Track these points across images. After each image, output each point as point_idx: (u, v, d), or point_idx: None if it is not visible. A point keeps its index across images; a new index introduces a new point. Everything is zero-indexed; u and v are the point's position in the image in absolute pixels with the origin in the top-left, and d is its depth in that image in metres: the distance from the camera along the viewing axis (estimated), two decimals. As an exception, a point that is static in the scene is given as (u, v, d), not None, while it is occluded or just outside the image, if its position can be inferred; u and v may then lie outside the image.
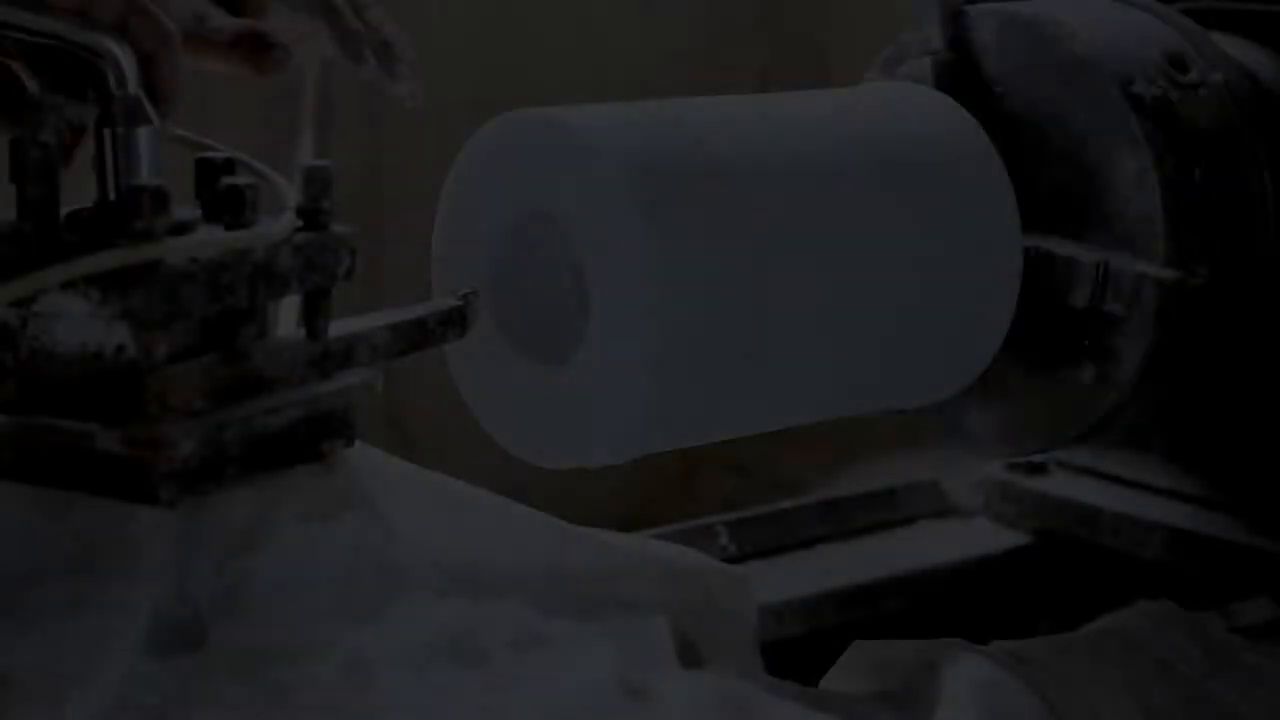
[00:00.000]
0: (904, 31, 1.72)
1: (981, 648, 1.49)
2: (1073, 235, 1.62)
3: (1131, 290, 1.57)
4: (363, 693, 1.19)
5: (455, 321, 1.47)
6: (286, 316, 1.32)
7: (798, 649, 1.76)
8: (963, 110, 1.63)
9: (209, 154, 1.34)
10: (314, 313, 1.32)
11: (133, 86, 1.27)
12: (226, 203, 1.28)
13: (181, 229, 1.25)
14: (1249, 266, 1.63)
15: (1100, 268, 1.59)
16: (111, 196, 1.27)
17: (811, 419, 1.61)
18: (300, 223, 1.30)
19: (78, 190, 1.29)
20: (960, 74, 1.66)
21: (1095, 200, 1.62)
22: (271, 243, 1.26)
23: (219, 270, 1.23)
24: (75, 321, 1.24)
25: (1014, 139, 1.63)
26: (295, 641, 1.23)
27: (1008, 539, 1.93)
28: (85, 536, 1.20)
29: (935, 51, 1.66)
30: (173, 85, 1.31)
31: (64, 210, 1.27)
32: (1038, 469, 1.94)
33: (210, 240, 1.24)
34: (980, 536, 1.93)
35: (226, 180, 1.29)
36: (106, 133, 1.27)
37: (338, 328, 1.35)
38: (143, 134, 1.27)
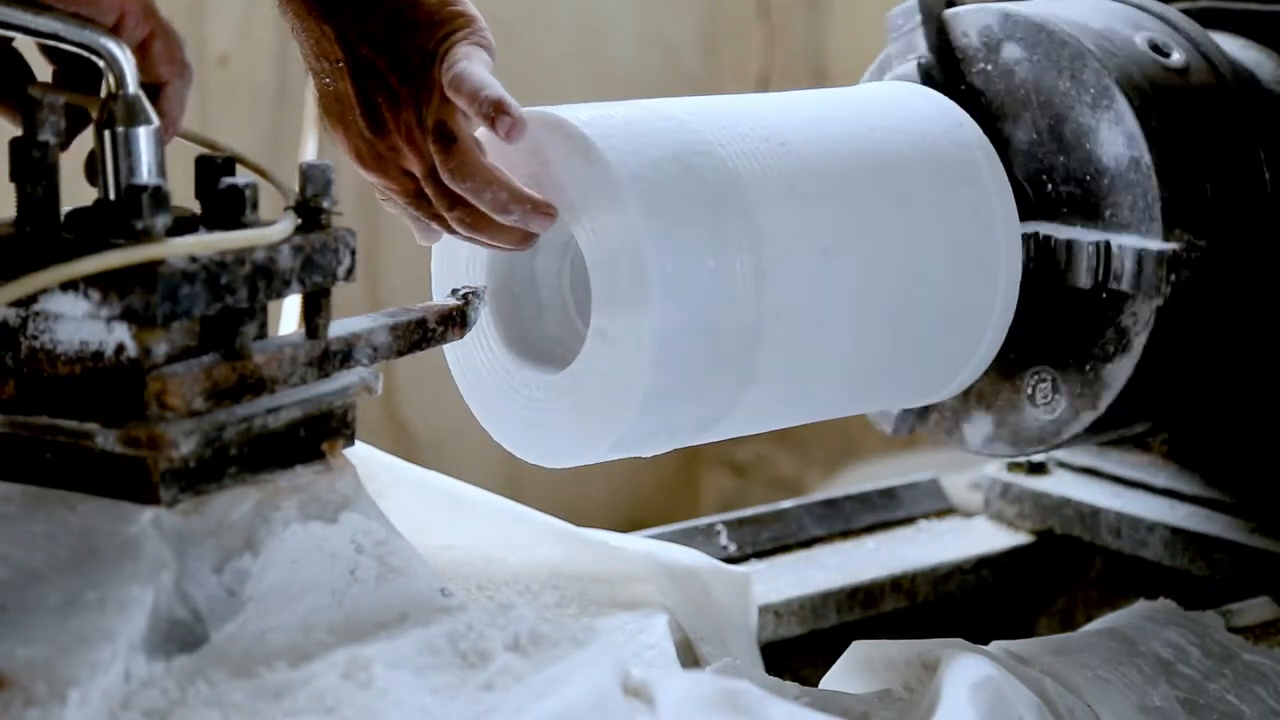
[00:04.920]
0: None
1: (981, 648, 1.49)
2: (1070, 221, 1.63)
3: (1134, 266, 1.59)
4: (363, 693, 1.19)
5: (455, 321, 1.47)
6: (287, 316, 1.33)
7: (798, 649, 1.76)
8: (959, 109, 1.63)
9: (209, 153, 1.34)
10: (314, 313, 1.32)
11: (133, 86, 1.27)
12: (226, 202, 1.28)
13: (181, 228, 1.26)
14: (1246, 242, 1.65)
15: (1101, 247, 1.60)
16: (111, 196, 1.27)
17: (813, 419, 1.61)
18: (300, 222, 1.30)
19: (78, 190, 1.29)
20: (946, 75, 1.69)
21: (1091, 183, 1.62)
22: (271, 243, 1.26)
23: (219, 270, 1.23)
24: (75, 321, 1.24)
25: (1001, 133, 1.66)
26: (295, 642, 1.23)
27: (1008, 539, 1.93)
28: (85, 536, 1.20)
29: (921, 56, 1.69)
30: (177, 116, 1.33)
31: (64, 210, 1.27)
32: (1038, 469, 1.94)
33: (210, 240, 1.24)
34: (980, 536, 1.93)
35: (226, 180, 1.29)
36: (106, 133, 1.27)
37: (338, 328, 1.35)
38: (143, 134, 1.27)
